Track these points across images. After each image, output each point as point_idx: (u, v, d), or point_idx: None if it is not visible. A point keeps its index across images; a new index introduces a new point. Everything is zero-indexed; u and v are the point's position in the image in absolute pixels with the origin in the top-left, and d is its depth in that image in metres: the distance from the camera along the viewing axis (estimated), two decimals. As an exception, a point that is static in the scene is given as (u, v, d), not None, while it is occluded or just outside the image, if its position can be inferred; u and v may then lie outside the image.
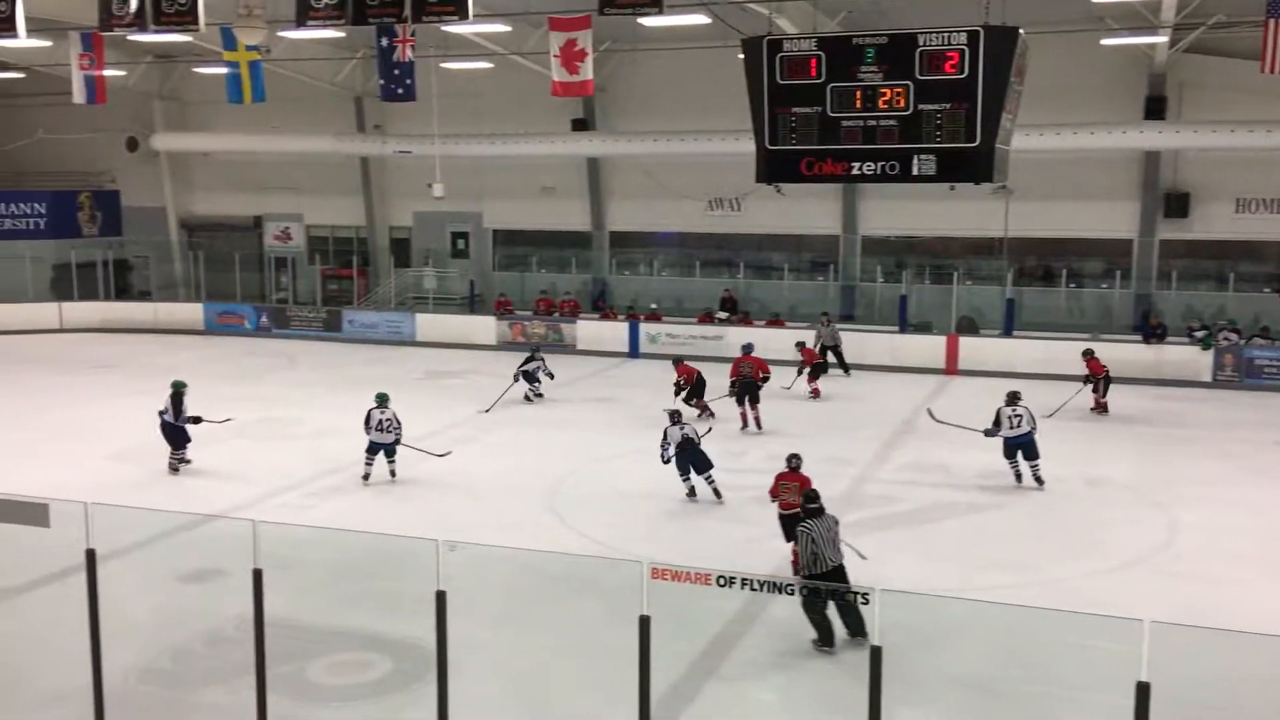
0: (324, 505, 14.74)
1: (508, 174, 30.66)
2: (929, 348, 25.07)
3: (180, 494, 15.04)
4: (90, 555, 7.10)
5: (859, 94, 11.76)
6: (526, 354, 22.17)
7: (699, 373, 20.23)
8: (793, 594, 8.32)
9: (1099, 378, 20.22)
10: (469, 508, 14.68)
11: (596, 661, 9.52)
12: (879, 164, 11.79)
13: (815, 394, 21.97)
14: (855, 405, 21.54)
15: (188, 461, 16.58)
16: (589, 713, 8.95)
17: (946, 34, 11.29)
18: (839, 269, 28.62)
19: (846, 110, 11.80)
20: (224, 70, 23.24)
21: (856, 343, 25.40)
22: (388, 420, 15.71)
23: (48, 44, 24.69)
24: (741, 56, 12.42)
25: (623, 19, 17.27)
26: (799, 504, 11.35)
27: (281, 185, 33.27)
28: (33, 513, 7.11)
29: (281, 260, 33.72)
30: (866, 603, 6.13)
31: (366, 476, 15.73)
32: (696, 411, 19.69)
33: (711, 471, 14.93)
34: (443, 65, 26.53)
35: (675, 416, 15.32)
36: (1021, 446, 15.37)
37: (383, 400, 16.01)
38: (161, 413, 16.48)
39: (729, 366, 19.77)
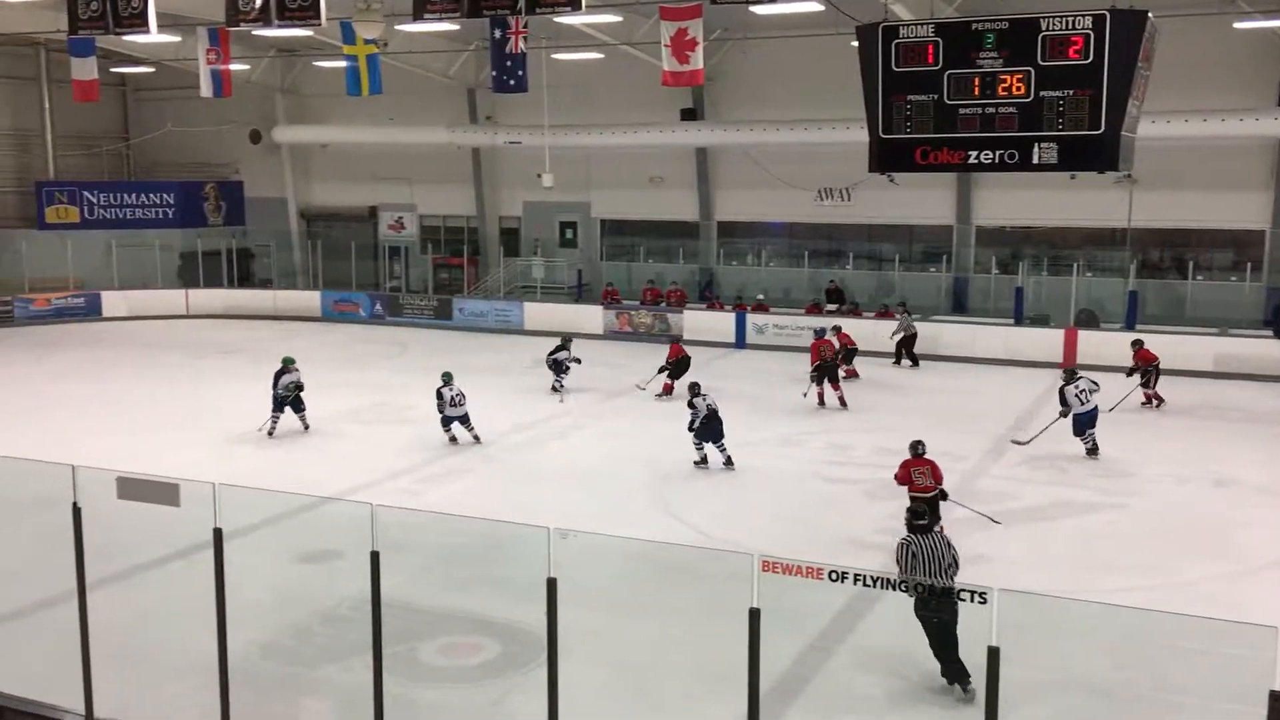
0: (436, 490, 15.03)
1: (616, 164, 30.79)
2: (1046, 341, 24.41)
3: (298, 477, 15.49)
4: (217, 534, 7.35)
5: (977, 81, 11.50)
6: (557, 342, 22.11)
7: (688, 356, 21.37)
8: (906, 591, 8.19)
9: (1149, 367, 19.48)
10: (578, 495, 14.81)
11: (704, 651, 9.51)
12: (997, 152, 11.52)
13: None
14: (968, 399, 21.10)
15: (270, 431, 17.81)
16: (697, 703, 8.96)
17: (1071, 18, 10.96)
18: (952, 260, 28.04)
19: (964, 97, 11.56)
20: (343, 64, 23.84)
21: (968, 335, 24.87)
22: (456, 395, 17.34)
23: (177, 39, 25.63)
24: (855, 44, 12.23)
25: (734, 7, 17.18)
26: (933, 487, 12.35)
27: (396, 176, 33.97)
28: (165, 492, 7.39)
29: (395, 249, 34.46)
30: (984, 602, 5.99)
31: (454, 439, 17.44)
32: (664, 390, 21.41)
33: (724, 441, 16.05)
34: (553, 56, 26.73)
35: (696, 389, 16.44)
36: (1092, 420, 15.78)
37: (448, 379, 17.59)
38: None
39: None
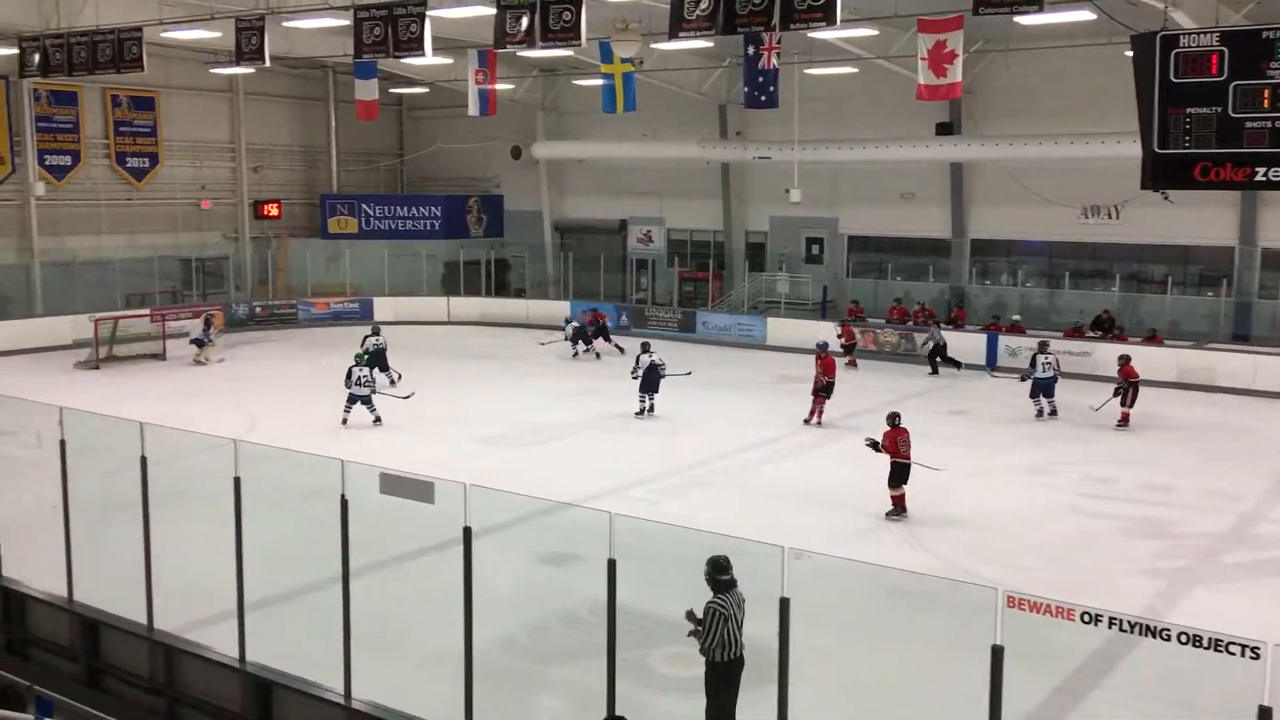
0: (673, 501, 15.18)
1: (866, 179, 30.29)
2: (1340, 375, 22.20)
3: (541, 480, 15.98)
4: (467, 532, 7.68)
5: (1268, 92, 10.61)
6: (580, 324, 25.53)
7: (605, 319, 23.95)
8: (1168, 639, 7.59)
9: (1128, 383, 19.59)
10: (815, 515, 14.61)
11: (941, 684, 9.17)
12: (1289, 169, 10.57)
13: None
14: (1246, 435, 19.47)
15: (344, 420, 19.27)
16: (931, 737, 8.65)
17: (1381, 21, 9.93)
18: (1233, 284, 25.95)
19: (1252, 110, 10.68)
20: (600, 82, 24.58)
21: (1249, 365, 22.93)
22: (362, 376, 19.24)
23: (449, 61, 27.17)
24: (1130, 54, 11.53)
25: (996, 18, 16.53)
26: (910, 456, 14.23)
27: (646, 190, 34.71)
28: (421, 489, 7.81)
29: (642, 262, 35.20)
30: (1257, 657, 5.47)
31: (345, 421, 19.23)
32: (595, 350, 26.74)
33: (656, 395, 19.96)
34: (806, 71, 26.61)
35: (646, 346, 20.55)
36: (1045, 388, 20.16)
37: (360, 359, 20.03)
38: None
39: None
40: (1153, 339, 25.12)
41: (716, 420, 20.17)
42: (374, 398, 19.47)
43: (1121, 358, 20.27)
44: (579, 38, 15.71)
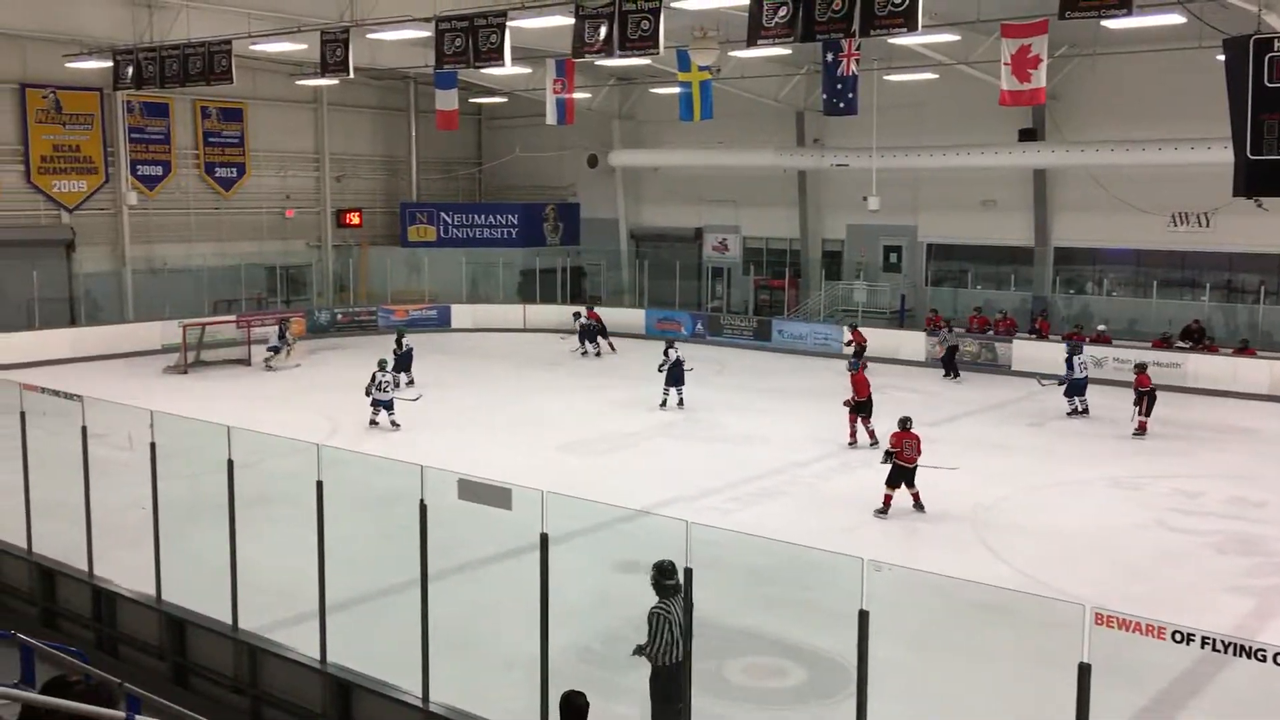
0: (746, 510, 15.10)
1: (946, 186, 29.88)
2: None
3: (613, 488, 15.97)
4: (544, 539, 7.71)
5: (1369, 95, 10.25)
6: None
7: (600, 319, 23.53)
8: (1264, 659, 7.32)
9: (1141, 391, 19.75)
10: (891, 526, 14.44)
11: (1024, 701, 9.00)
12: (1392, 174, 10.20)
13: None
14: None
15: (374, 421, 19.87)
16: (1012, 755, 8.48)
17: None
18: (1329, 293, 25.10)
19: (1353, 113, 10.33)
20: (677, 90, 24.61)
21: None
22: (384, 382, 19.59)
23: (527, 71, 27.43)
24: (1221, 58, 11.23)
25: (1082, 22, 16.20)
26: (915, 460, 14.71)
27: (722, 198, 34.66)
28: (499, 495, 7.86)
29: (718, 270, 35.13)
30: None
31: (374, 423, 19.79)
32: (595, 350, 28.53)
33: (682, 388, 21.39)
34: (885, 78, 26.36)
35: (672, 343, 22.06)
36: (1080, 388, 21.12)
37: (383, 365, 20.06)
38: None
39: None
40: (1245, 350, 24.38)
41: (790, 430, 20.03)
42: (395, 403, 19.97)
43: (1137, 366, 20.63)
44: (657, 46, 15.76)
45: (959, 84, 25.92)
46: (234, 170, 33.40)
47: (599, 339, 29.19)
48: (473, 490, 7.99)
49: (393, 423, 19.76)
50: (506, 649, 10.06)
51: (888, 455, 15.01)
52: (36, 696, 4.97)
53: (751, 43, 15.33)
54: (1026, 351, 26.37)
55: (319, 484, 9.01)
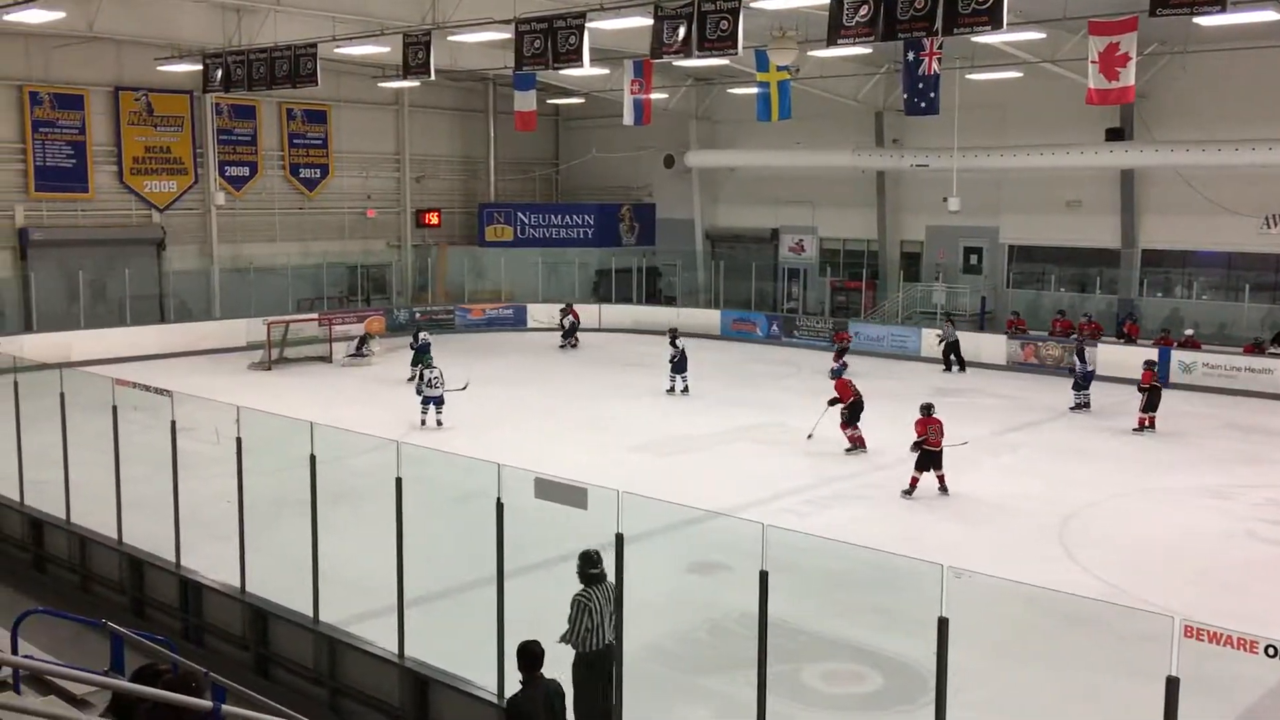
0: (822, 514, 14.97)
1: (1029, 187, 29.33)
2: None
3: (686, 489, 15.92)
4: (619, 539, 7.73)
5: None
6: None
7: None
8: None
9: (1145, 387, 19.97)
10: (970, 531, 14.22)
11: (1106, 713, 8.78)
12: None
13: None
14: None
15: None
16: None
17: None
18: None
19: None
20: (754, 90, 24.51)
21: None
22: (435, 378, 19.78)
23: (605, 72, 27.55)
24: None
25: (1172, 19, 15.77)
26: (939, 444, 15.57)
27: (798, 199, 34.42)
28: (575, 495, 7.89)
29: (794, 271, 34.90)
30: None
31: (425, 422, 19.85)
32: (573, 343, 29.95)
33: (686, 374, 23.25)
34: (968, 77, 25.95)
35: (674, 333, 24.06)
36: (1090, 380, 21.88)
37: (429, 362, 21.00)
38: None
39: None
40: (1340, 356, 23.57)
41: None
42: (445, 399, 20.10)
43: (1146, 363, 20.97)
44: (736, 47, 15.69)
45: (1044, 82, 25.43)
46: (317, 171, 34.05)
47: (576, 335, 30.69)
48: (549, 489, 8.03)
49: (438, 421, 19.86)
50: (581, 648, 10.08)
51: (916, 444, 15.70)
52: (128, 685, 5.11)
53: (831, 42, 15.18)
54: (1112, 356, 25.71)
55: (398, 480, 9.13)
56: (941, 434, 15.78)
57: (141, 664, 6.28)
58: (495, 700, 8.50)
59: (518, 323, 33.79)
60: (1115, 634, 9.63)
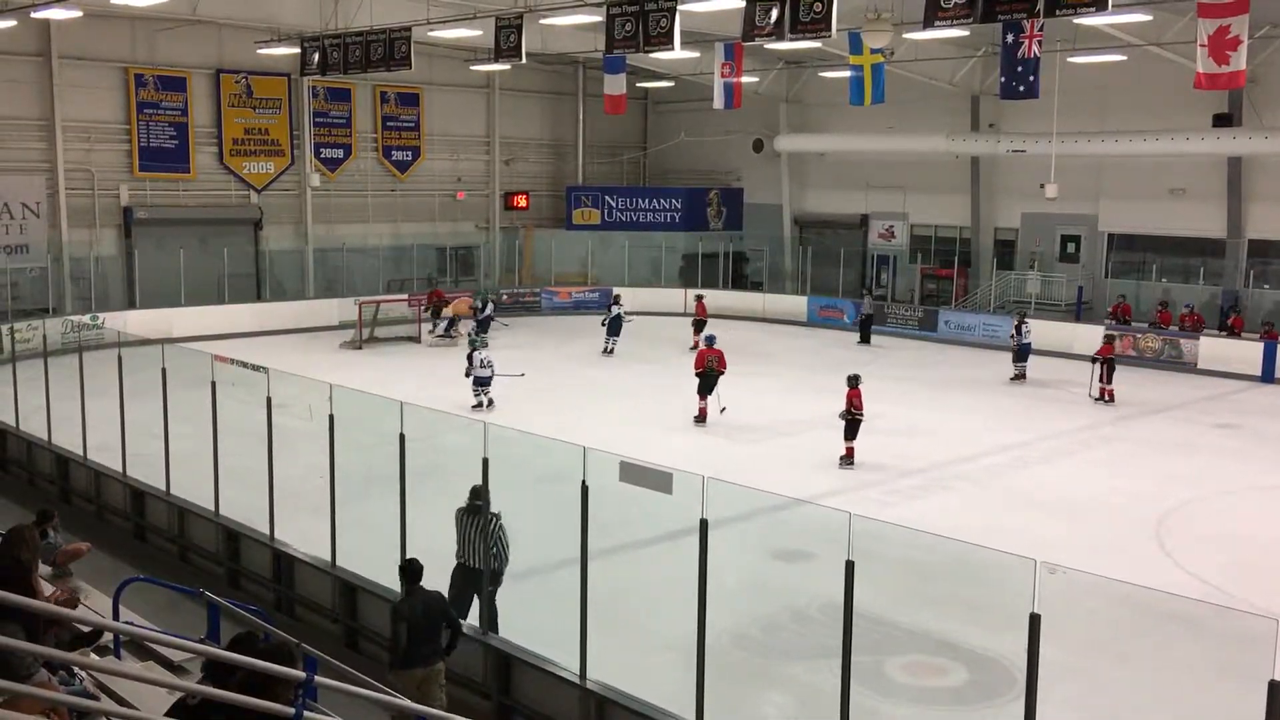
0: (907, 504, 14.77)
1: (1130, 174, 28.48)
2: None
3: (770, 476, 15.81)
4: (703, 524, 7.70)
5: None
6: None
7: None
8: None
9: (1102, 360, 20.82)
10: (1061, 526, 13.89)
11: (1204, 716, 8.52)
12: None
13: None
14: None
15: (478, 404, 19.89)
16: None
17: None
18: None
19: None
20: (847, 73, 24.16)
21: None
22: (485, 359, 19.81)
23: (695, 55, 27.38)
24: None
25: (1289, -2, 15.17)
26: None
27: (889, 184, 33.90)
28: (660, 479, 7.88)
29: (884, 257, 34.42)
30: None
31: (479, 405, 19.71)
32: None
33: (616, 338, 25.65)
34: (1069, 60, 25.25)
35: (617, 298, 26.58)
36: (1028, 352, 23.03)
37: (476, 345, 20.38)
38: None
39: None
40: None
41: (954, 423, 19.50)
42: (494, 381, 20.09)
43: (1105, 336, 22.19)
44: (829, 29, 15.44)
45: (1148, 66, 24.64)
46: (409, 153, 34.51)
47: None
48: (634, 473, 8.03)
49: (489, 401, 19.94)
50: (663, 631, 10.12)
51: (848, 413, 16.53)
52: (224, 653, 5.24)
53: (928, 24, 14.87)
54: (1215, 349, 24.95)
55: (485, 460, 9.22)
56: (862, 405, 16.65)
57: (235, 633, 6.45)
58: (577, 680, 8.55)
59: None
60: (1214, 635, 9.34)
